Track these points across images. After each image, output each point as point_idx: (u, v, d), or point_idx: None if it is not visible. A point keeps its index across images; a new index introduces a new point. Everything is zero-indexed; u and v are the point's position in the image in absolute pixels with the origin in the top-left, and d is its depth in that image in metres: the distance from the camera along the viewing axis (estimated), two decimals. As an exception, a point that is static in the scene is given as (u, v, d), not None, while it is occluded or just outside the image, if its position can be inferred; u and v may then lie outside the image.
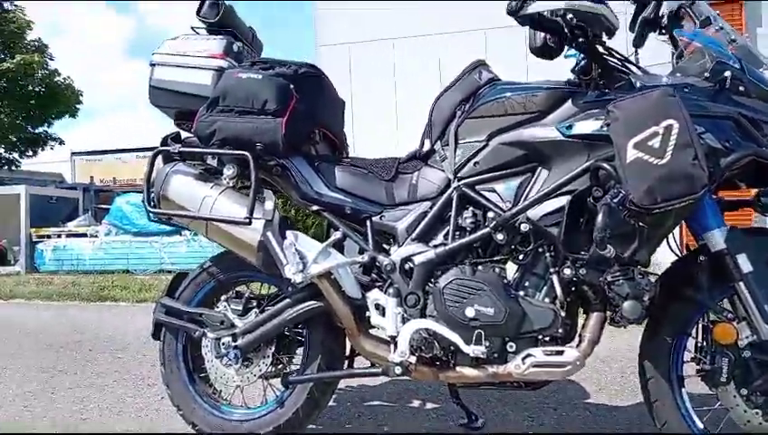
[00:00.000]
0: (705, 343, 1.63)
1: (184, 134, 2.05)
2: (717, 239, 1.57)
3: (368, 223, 1.88)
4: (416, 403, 2.42)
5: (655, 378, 1.67)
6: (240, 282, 2.10)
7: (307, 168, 1.93)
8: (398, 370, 1.73)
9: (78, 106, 15.62)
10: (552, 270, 1.68)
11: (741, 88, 1.61)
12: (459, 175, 1.79)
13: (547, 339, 1.66)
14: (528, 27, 1.65)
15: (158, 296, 2.09)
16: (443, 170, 1.83)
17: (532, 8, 1.57)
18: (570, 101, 1.68)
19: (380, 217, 1.87)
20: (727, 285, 1.58)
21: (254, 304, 1.99)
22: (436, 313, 1.71)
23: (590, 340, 1.64)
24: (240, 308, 1.97)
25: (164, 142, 1.99)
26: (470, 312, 1.66)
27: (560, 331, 1.65)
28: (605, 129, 1.53)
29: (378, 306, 1.79)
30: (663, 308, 1.65)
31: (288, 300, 1.91)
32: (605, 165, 1.53)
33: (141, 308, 4.76)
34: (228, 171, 1.91)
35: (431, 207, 1.82)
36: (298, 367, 1.99)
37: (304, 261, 1.78)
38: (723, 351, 1.56)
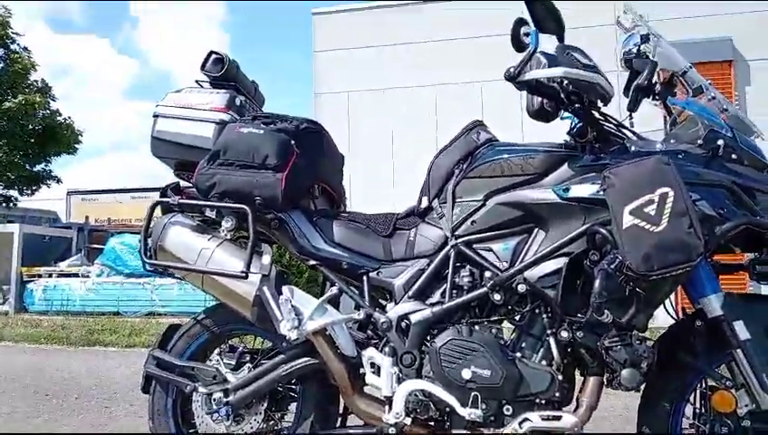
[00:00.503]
0: (703, 410, 1.61)
1: (183, 184, 2.06)
2: (714, 305, 1.57)
3: (364, 278, 1.87)
4: (409, 463, 2.35)
5: (652, 440, 1.65)
6: (234, 335, 2.08)
7: (305, 222, 1.94)
8: (392, 431, 1.69)
9: (77, 145, 15.73)
10: (548, 332, 1.67)
11: (734, 156, 1.64)
12: (456, 233, 1.80)
13: (544, 402, 1.64)
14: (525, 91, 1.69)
15: (147, 342, 2.06)
16: (440, 228, 1.84)
17: (529, 75, 1.61)
18: (566, 163, 1.71)
19: (377, 273, 1.87)
20: (725, 352, 1.57)
21: (248, 358, 1.97)
22: (432, 373, 1.69)
23: (589, 405, 1.62)
24: (233, 362, 1.94)
25: (163, 193, 2.00)
26: (466, 373, 1.64)
27: (557, 394, 1.63)
28: (601, 193, 1.55)
29: (373, 365, 1.77)
30: (660, 374, 1.63)
31: (282, 356, 1.88)
32: (601, 229, 1.54)
33: (131, 354, 4.68)
34: (226, 224, 1.92)
35: (428, 265, 1.82)
36: (289, 424, 1.95)
37: (300, 317, 1.76)
38: (722, 419, 1.54)
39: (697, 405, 1.64)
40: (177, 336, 2.06)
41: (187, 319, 2.11)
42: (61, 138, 15.15)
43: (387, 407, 1.72)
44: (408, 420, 1.68)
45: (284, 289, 1.81)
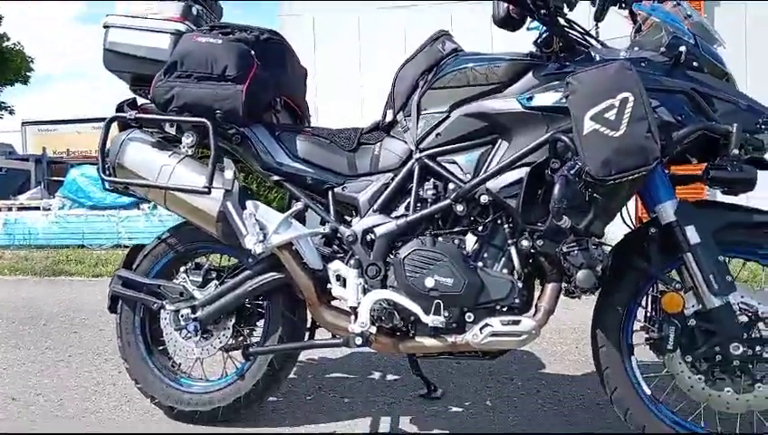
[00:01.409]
0: (654, 313, 1.68)
1: (140, 100, 1.99)
2: (668, 211, 1.62)
3: (329, 194, 1.87)
4: (376, 375, 2.45)
5: (606, 346, 1.73)
6: (199, 254, 2.08)
7: (268, 137, 1.91)
8: (358, 340, 1.74)
9: (29, 74, 14.98)
10: (510, 242, 1.71)
11: (695, 63, 1.65)
12: (421, 146, 1.80)
13: (504, 309, 1.69)
14: None
15: (114, 271, 2.05)
16: (405, 142, 1.83)
17: None
18: (531, 72, 1.69)
19: (342, 188, 1.87)
20: (676, 256, 1.63)
21: (214, 275, 1.97)
22: (397, 283, 1.72)
23: (546, 310, 1.68)
24: (199, 280, 1.95)
25: (119, 109, 1.94)
26: (430, 282, 1.68)
27: (516, 301, 1.68)
28: (564, 101, 1.55)
29: (339, 277, 1.79)
30: (615, 279, 1.70)
31: (248, 272, 1.89)
32: (563, 137, 1.56)
33: (97, 283, 4.65)
34: (187, 139, 1.87)
35: (393, 179, 1.82)
36: (259, 339, 1.98)
37: (265, 232, 1.77)
38: (670, 320, 1.62)
39: (649, 308, 1.72)
40: (141, 256, 2.05)
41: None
42: (11, 64, 14.40)
43: (353, 317, 1.76)
44: (374, 329, 1.73)
45: (248, 204, 1.79)
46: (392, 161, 1.85)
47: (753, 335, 1.58)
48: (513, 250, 1.71)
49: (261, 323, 2.00)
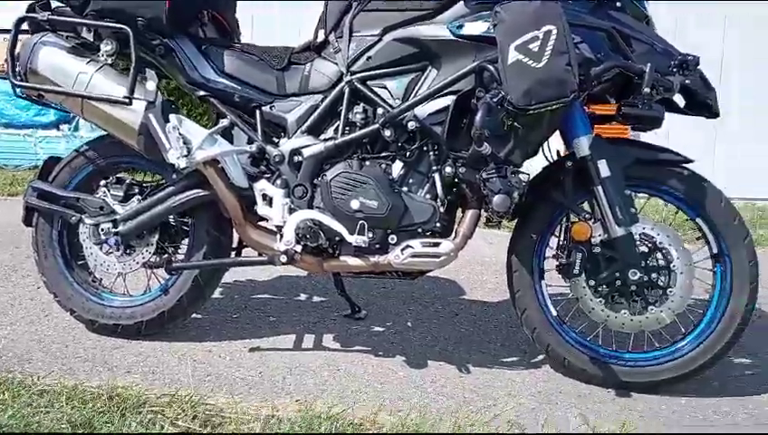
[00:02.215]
0: (564, 241, 1.79)
1: (54, 3, 1.86)
2: (583, 146, 1.70)
3: (257, 112, 1.84)
4: (303, 297, 2.50)
5: (519, 271, 1.83)
6: (120, 168, 2.02)
7: (194, 50, 1.84)
8: (283, 259, 1.77)
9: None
10: (434, 168, 1.76)
11: (618, 4, 1.70)
12: (352, 69, 1.79)
13: (426, 233, 1.75)
14: None
15: (29, 181, 1.97)
16: (336, 63, 1.81)
17: None
18: (462, 0, 1.70)
19: (270, 108, 1.84)
20: (588, 189, 1.73)
21: (137, 190, 1.93)
22: (323, 204, 1.75)
23: (464, 234, 1.75)
24: (121, 194, 1.90)
25: (31, 9, 1.81)
26: (355, 204, 1.71)
27: (438, 225, 1.75)
28: (492, 31, 1.57)
29: (265, 197, 1.80)
30: (531, 208, 1.79)
31: (172, 188, 1.86)
32: (489, 66, 1.59)
33: (13, 202, 4.43)
34: (106, 47, 1.79)
35: (322, 101, 1.81)
36: (183, 256, 1.98)
37: (189, 147, 1.73)
38: (577, 247, 1.73)
39: (561, 237, 1.82)
40: (58, 168, 1.97)
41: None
42: None
43: (278, 236, 1.78)
44: (299, 248, 1.76)
45: (172, 117, 1.75)
46: (322, 83, 1.83)
47: (650, 264, 1.72)
48: (437, 176, 1.76)
49: (186, 240, 1.99)
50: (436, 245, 1.72)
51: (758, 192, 6.79)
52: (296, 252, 1.76)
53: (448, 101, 1.69)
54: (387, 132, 1.73)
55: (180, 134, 1.73)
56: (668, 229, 1.76)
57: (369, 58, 1.77)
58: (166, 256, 1.98)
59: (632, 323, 1.75)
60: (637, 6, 1.73)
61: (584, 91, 1.59)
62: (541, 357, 1.93)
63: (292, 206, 1.78)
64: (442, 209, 1.76)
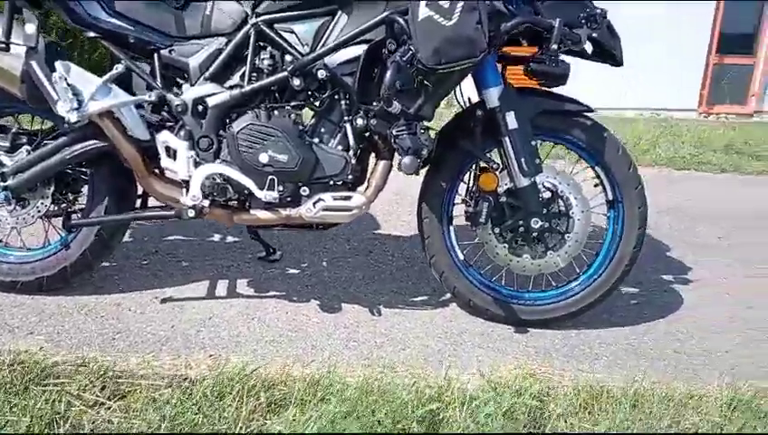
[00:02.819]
0: (472, 190, 1.84)
1: None
2: (492, 97, 1.72)
3: (155, 56, 1.72)
4: (216, 238, 2.47)
5: (429, 218, 1.88)
6: (5, 114, 1.85)
7: (80, -14, 1.66)
8: (191, 213, 1.72)
9: None
10: (345, 119, 1.73)
11: None
12: (257, 11, 1.68)
13: (339, 184, 1.75)
14: None
15: None
16: (240, 3, 1.70)
17: None
18: None
19: (170, 51, 1.72)
20: (496, 139, 1.77)
21: (25, 140, 1.79)
22: (230, 157, 1.69)
23: (376, 186, 1.76)
24: (7, 144, 1.76)
25: None
26: (264, 158, 1.67)
27: (350, 177, 1.74)
28: None
29: (168, 149, 1.72)
30: (441, 156, 1.81)
31: (65, 138, 1.74)
32: (399, 19, 1.54)
33: None
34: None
35: (227, 45, 1.71)
36: (83, 207, 1.88)
37: (80, 98, 1.60)
38: (485, 196, 1.79)
39: (470, 185, 1.87)
40: (-70, 114, 1.78)
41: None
42: None
43: (184, 190, 1.72)
44: (206, 203, 1.71)
45: (58, 65, 1.60)
46: (226, 24, 1.72)
47: (551, 211, 1.81)
48: (348, 127, 1.73)
49: (86, 188, 1.88)
50: (348, 198, 1.73)
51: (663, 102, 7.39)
52: (204, 206, 1.72)
53: (359, 50, 1.63)
54: (296, 81, 1.67)
55: (69, 84, 1.59)
56: (568, 177, 1.84)
57: (276, 0, 1.67)
58: (64, 205, 1.88)
59: (532, 266, 1.87)
60: None
61: (493, 47, 1.58)
62: (448, 296, 2.02)
63: (198, 159, 1.71)
64: (354, 161, 1.75)
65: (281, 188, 1.70)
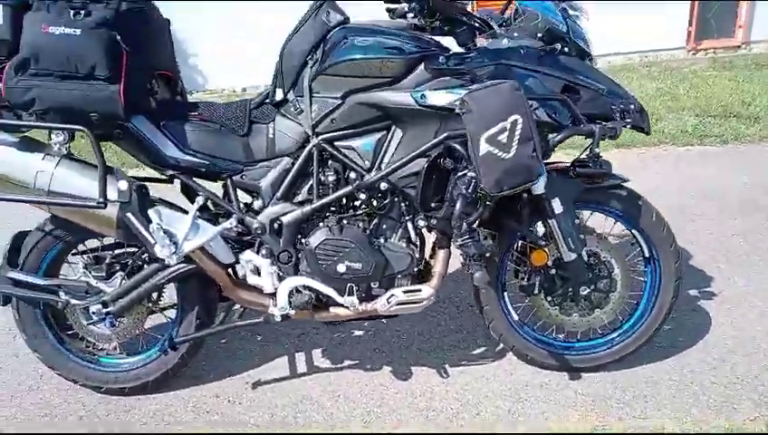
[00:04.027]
0: (523, 263, 2.04)
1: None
2: (539, 186, 1.88)
3: (229, 183, 1.88)
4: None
5: (486, 289, 2.08)
6: (88, 238, 2.01)
7: (152, 129, 1.81)
8: (277, 318, 1.92)
9: None
10: (406, 218, 1.90)
11: (565, 49, 1.81)
12: (317, 130, 1.83)
13: (405, 277, 1.94)
14: None
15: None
16: (300, 124, 1.85)
17: None
18: (422, 65, 1.75)
19: (242, 177, 1.88)
20: (543, 221, 1.95)
21: (118, 267, 1.95)
22: (310, 269, 1.87)
23: (440, 274, 1.95)
24: (103, 274, 1.93)
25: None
26: (341, 268, 1.85)
27: (415, 269, 1.94)
28: (457, 109, 1.66)
29: (252, 266, 1.89)
30: (492, 236, 2.00)
31: (156, 264, 1.90)
32: (457, 147, 1.70)
33: None
34: (58, 138, 1.74)
35: (292, 164, 1.87)
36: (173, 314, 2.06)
37: (174, 240, 1.77)
38: (537, 271, 1.99)
39: (520, 258, 2.06)
40: (25, 251, 1.93)
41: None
42: None
43: (271, 300, 1.91)
44: (293, 312, 1.90)
45: (151, 213, 1.76)
46: (289, 145, 1.87)
47: (596, 274, 2.01)
48: (409, 225, 1.91)
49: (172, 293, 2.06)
50: (418, 291, 1.92)
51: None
52: (291, 313, 1.91)
53: (419, 165, 1.80)
54: (362, 196, 1.84)
55: (164, 229, 1.75)
56: (609, 243, 2.04)
57: (334, 120, 1.82)
58: (155, 312, 2.07)
59: (581, 322, 2.09)
60: (582, 48, 1.84)
61: (544, 158, 1.75)
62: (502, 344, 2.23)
63: (281, 273, 1.89)
64: (417, 254, 1.94)
65: (357, 290, 1.89)
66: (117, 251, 1.99)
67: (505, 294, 2.12)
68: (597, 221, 2.09)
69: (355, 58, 1.74)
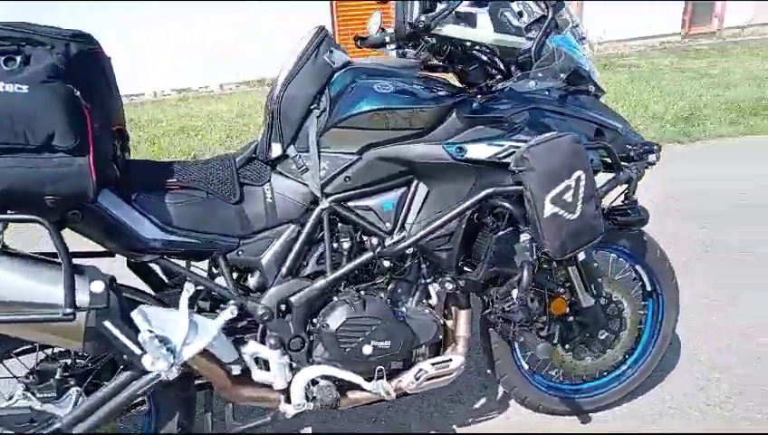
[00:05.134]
0: (542, 314, 1.90)
1: None
2: None
3: (221, 262, 1.52)
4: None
5: (498, 343, 1.92)
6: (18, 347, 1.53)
7: (122, 205, 1.40)
8: (291, 415, 1.60)
9: None
10: (428, 281, 1.68)
11: (591, 89, 1.71)
12: (326, 190, 1.54)
13: (429, 346, 1.72)
14: None
15: None
16: (305, 184, 1.54)
17: (448, 31, 1.34)
18: (454, 113, 1.53)
19: (238, 253, 1.53)
20: (561, 268, 1.83)
21: (72, 382, 1.49)
22: (329, 355, 1.58)
23: (466, 338, 1.75)
24: (53, 393, 1.47)
25: None
26: (367, 350, 1.58)
27: (440, 337, 1.72)
28: (513, 166, 1.47)
29: (258, 360, 1.55)
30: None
31: (130, 372, 1.48)
32: (504, 203, 1.51)
33: None
34: None
35: (298, 233, 1.55)
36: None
37: (170, 347, 1.38)
38: (556, 320, 1.86)
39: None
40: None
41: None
42: None
43: (282, 397, 1.59)
44: (311, 406, 1.60)
45: (136, 317, 1.35)
46: (292, 210, 1.55)
47: (608, 316, 1.94)
48: (431, 288, 1.69)
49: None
50: (448, 362, 1.71)
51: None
52: (308, 408, 1.60)
53: (452, 227, 1.58)
54: (386, 263, 1.58)
55: (156, 336, 1.35)
56: (619, 283, 1.98)
57: (348, 178, 1.54)
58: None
59: (594, 364, 2.01)
60: (599, 85, 1.74)
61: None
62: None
63: (293, 363, 1.57)
64: (441, 320, 1.72)
65: (384, 370, 1.63)
66: (63, 360, 1.53)
67: (516, 346, 1.98)
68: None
69: (378, 108, 1.48)
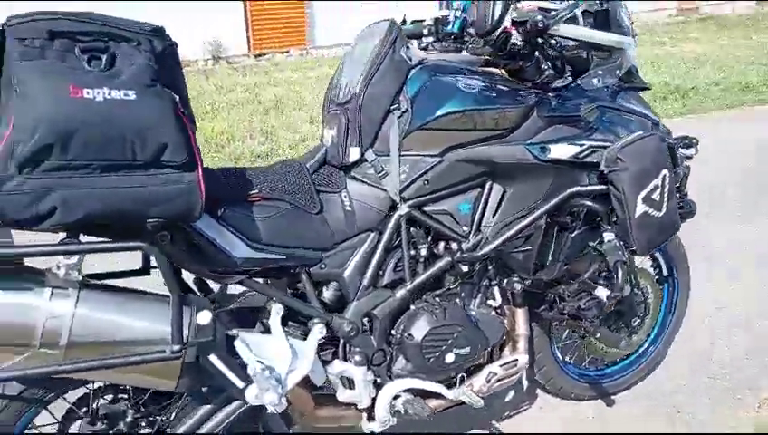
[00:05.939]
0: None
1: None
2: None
3: (304, 277, 1.40)
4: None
5: (539, 336, 1.93)
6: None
7: (213, 224, 1.25)
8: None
9: None
10: (494, 282, 1.66)
11: (639, 84, 1.76)
12: (404, 195, 1.47)
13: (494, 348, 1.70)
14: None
15: None
16: (383, 189, 1.46)
17: (564, 31, 1.30)
18: (535, 113, 1.51)
19: (321, 267, 1.42)
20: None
21: (144, 423, 1.32)
22: (411, 367, 1.52)
23: (527, 337, 1.75)
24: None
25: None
26: (450, 358, 1.54)
27: (504, 337, 1.71)
28: (603, 167, 1.47)
29: (343, 379, 1.46)
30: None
31: (210, 406, 1.34)
32: (587, 202, 1.51)
33: None
34: (68, 260, 1.08)
35: (377, 241, 1.47)
36: None
37: (276, 376, 1.25)
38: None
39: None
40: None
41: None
42: None
43: (364, 414, 1.51)
44: (395, 421, 1.53)
45: (238, 346, 1.21)
46: (371, 217, 1.47)
47: (638, 302, 2.02)
48: (496, 290, 1.68)
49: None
50: (515, 362, 1.70)
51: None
52: (393, 423, 1.53)
53: (532, 228, 1.56)
54: (464, 268, 1.54)
55: (265, 367, 1.22)
56: (643, 271, 2.07)
57: (427, 182, 1.48)
58: None
59: (621, 349, 2.10)
60: (644, 81, 1.79)
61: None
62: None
63: (376, 378, 1.49)
64: (504, 320, 1.71)
65: (463, 378, 1.60)
66: (120, 397, 1.35)
67: (554, 338, 2.02)
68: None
69: (465, 109, 1.42)
